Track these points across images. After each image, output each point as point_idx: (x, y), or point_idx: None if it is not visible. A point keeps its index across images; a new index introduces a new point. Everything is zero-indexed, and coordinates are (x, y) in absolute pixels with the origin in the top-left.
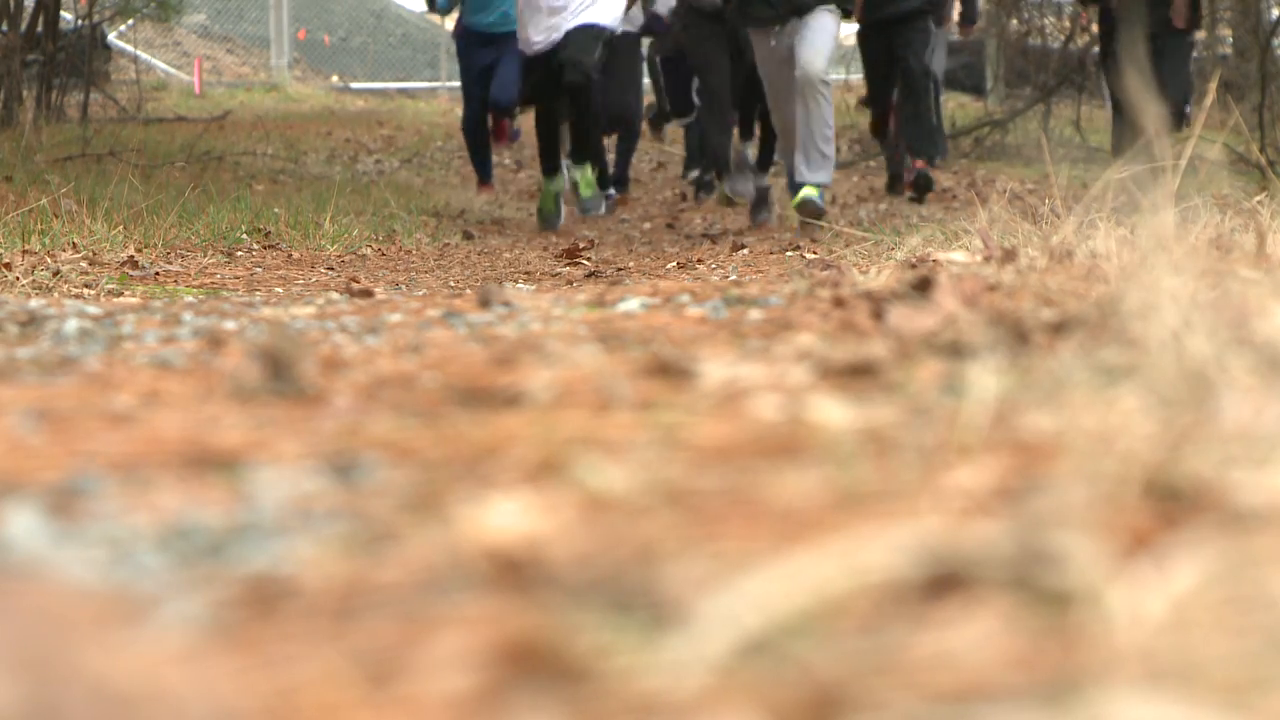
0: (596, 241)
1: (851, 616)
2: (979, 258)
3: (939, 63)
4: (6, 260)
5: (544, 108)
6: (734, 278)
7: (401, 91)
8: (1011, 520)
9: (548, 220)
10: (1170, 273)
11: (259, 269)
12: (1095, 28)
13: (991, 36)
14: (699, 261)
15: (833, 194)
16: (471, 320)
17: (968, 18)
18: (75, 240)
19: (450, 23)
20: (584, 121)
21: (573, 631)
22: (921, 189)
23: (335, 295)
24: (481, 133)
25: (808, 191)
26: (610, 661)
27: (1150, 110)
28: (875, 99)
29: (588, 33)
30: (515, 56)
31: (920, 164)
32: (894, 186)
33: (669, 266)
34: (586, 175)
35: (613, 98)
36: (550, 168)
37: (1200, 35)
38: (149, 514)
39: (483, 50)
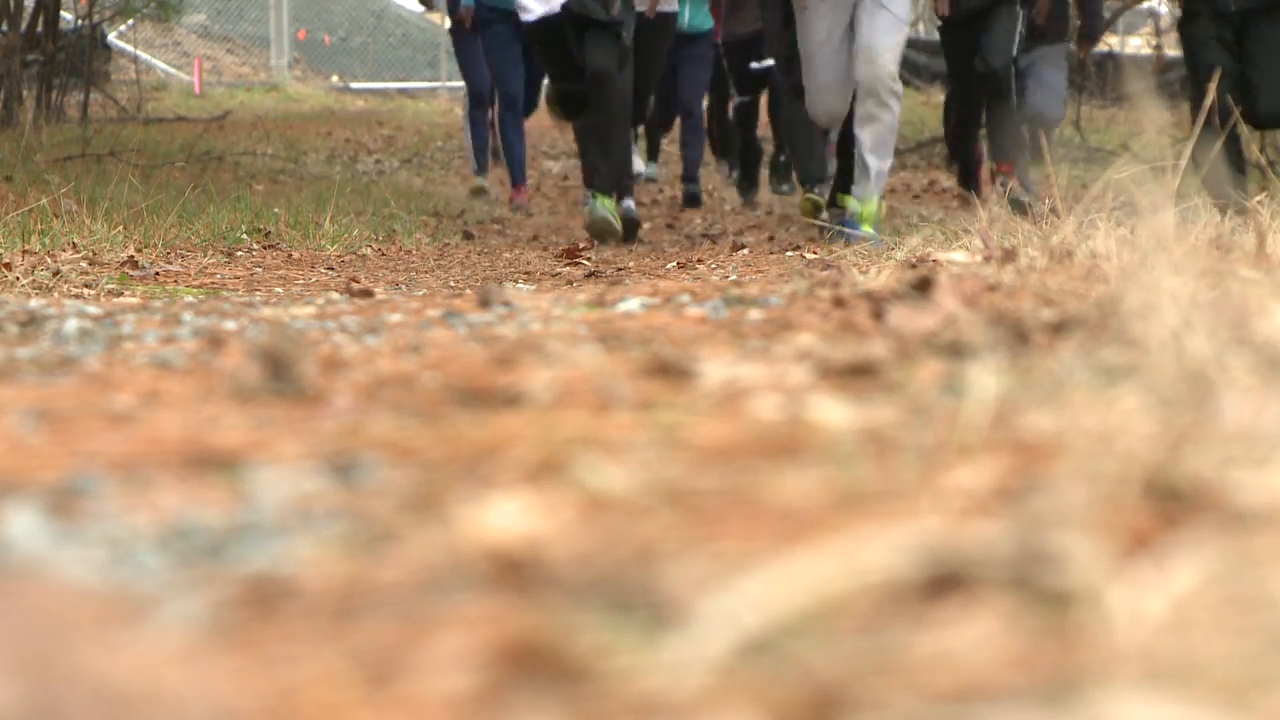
0: (596, 242)
1: (851, 616)
2: (979, 258)
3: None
4: (6, 260)
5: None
6: (734, 278)
7: (401, 91)
8: (1011, 520)
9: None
10: (1170, 273)
11: (259, 269)
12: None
13: None
14: (699, 261)
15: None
16: (471, 320)
17: (1088, 35)
18: (75, 240)
19: (448, 22)
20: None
21: (573, 631)
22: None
23: (335, 295)
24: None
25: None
26: (610, 661)
27: (1149, 112)
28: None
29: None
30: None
31: (1005, 168)
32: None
33: (669, 266)
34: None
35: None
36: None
37: None
38: (149, 514)
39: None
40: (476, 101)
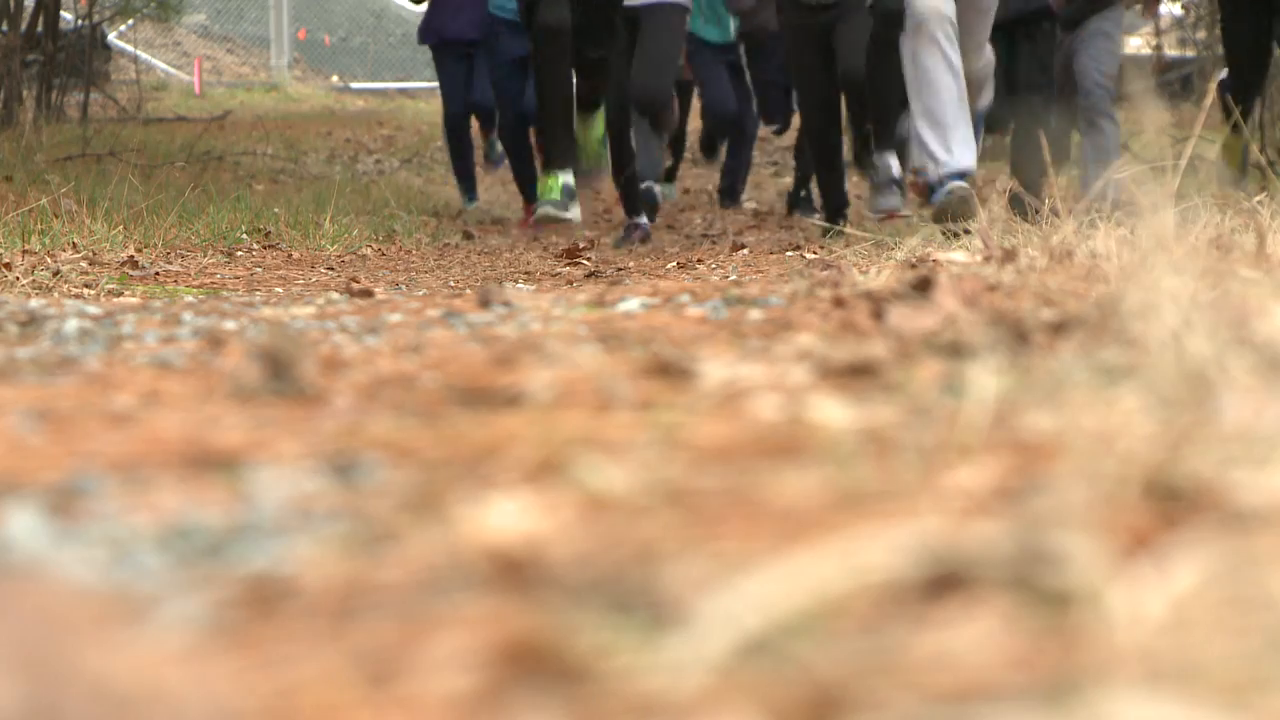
0: (596, 241)
1: (851, 616)
2: (979, 258)
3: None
4: (6, 260)
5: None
6: (734, 278)
7: (401, 91)
8: (1011, 520)
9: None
10: (1170, 273)
11: (259, 269)
12: None
13: None
14: (699, 261)
15: None
16: (471, 320)
17: None
18: (75, 240)
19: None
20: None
21: (573, 631)
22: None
23: (335, 295)
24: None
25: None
26: (610, 661)
27: (1149, 112)
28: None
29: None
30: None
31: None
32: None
33: (669, 266)
34: (596, 131)
35: (641, 79)
36: (557, 159)
37: (1201, 35)
38: (149, 514)
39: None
40: (453, 124)
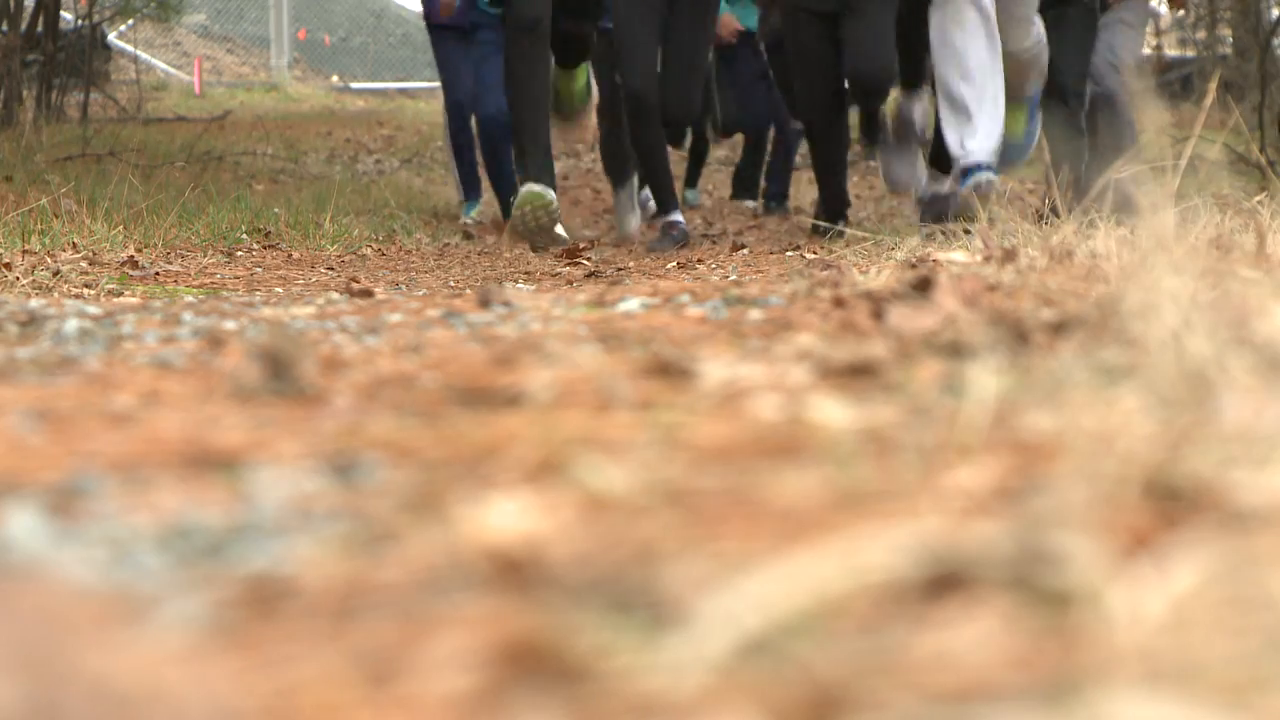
0: (596, 241)
1: (851, 616)
2: (979, 258)
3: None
4: (6, 260)
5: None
6: (734, 278)
7: (401, 91)
8: (1011, 520)
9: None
10: (1170, 273)
11: (259, 269)
12: None
13: None
14: (699, 261)
15: None
16: (471, 320)
17: None
18: (75, 240)
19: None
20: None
21: (573, 631)
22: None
23: (335, 295)
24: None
25: (976, 176)
26: (610, 661)
27: (1149, 112)
28: None
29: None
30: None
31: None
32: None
33: (669, 266)
34: (578, 83)
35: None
36: (530, 171)
37: (1201, 35)
38: (149, 514)
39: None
40: (455, 113)
